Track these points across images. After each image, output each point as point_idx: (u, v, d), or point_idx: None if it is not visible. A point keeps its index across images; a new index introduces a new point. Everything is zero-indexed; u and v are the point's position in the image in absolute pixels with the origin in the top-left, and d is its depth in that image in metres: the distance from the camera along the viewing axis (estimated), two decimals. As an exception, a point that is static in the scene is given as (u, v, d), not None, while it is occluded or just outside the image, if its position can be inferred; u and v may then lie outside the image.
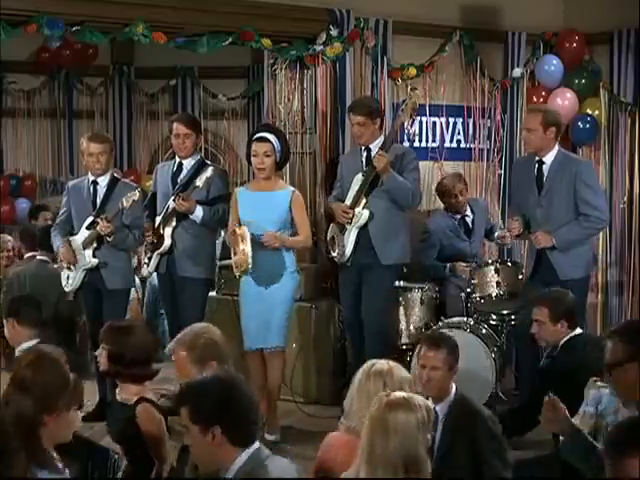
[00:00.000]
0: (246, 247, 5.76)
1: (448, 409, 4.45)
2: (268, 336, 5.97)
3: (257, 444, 3.06)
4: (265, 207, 5.97)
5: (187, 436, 3.06)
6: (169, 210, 6.25)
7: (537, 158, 6.18)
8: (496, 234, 7.00)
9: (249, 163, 6.24)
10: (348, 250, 6.34)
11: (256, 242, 5.85)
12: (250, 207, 6.01)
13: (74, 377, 3.30)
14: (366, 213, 6.27)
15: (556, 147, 6.17)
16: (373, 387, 3.69)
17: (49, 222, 8.13)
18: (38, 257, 7.10)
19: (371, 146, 6.34)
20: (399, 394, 3.28)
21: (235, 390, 3.06)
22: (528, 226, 6.20)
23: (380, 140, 6.35)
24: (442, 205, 7.32)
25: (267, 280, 5.95)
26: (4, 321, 5.51)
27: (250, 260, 5.76)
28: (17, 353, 5.28)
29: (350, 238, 6.33)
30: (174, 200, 6.18)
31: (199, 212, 6.18)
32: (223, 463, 3.03)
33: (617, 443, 2.72)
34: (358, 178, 6.32)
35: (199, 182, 6.07)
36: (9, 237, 7.90)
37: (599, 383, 4.22)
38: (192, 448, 3.08)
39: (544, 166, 6.15)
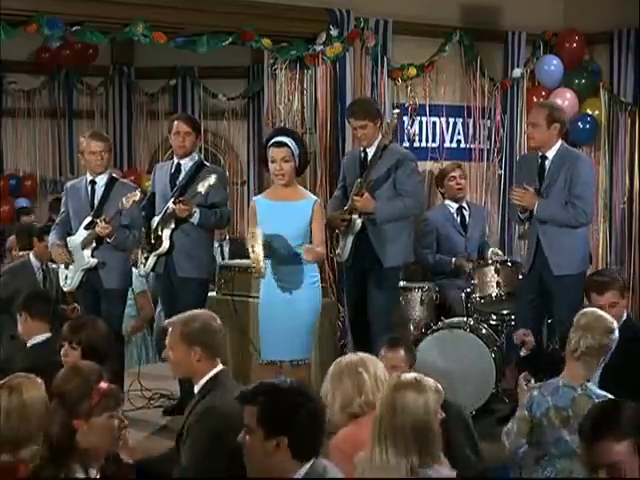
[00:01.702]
0: (257, 247, 5.45)
1: None
2: (293, 348, 5.66)
3: (314, 459, 2.97)
4: (285, 219, 5.55)
5: (246, 436, 2.98)
6: (168, 212, 6.22)
7: (540, 153, 6.22)
8: (490, 251, 7.09)
9: (267, 170, 5.93)
10: (346, 253, 6.33)
11: (276, 254, 5.61)
12: (269, 219, 5.62)
13: (111, 387, 3.48)
14: (359, 222, 6.22)
15: (559, 143, 6.19)
16: (350, 381, 3.81)
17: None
18: (30, 256, 7.13)
19: (367, 150, 6.31)
20: (409, 376, 3.36)
21: (309, 402, 2.98)
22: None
23: (377, 142, 6.31)
24: (441, 199, 7.40)
25: (288, 291, 5.65)
26: (17, 316, 5.51)
27: (262, 258, 5.46)
28: (29, 346, 5.34)
29: (348, 242, 6.31)
30: (174, 203, 6.16)
31: (196, 215, 6.13)
32: (280, 474, 2.92)
33: (591, 427, 2.81)
34: (356, 183, 6.31)
35: (201, 188, 5.97)
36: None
37: (529, 385, 4.41)
38: (247, 450, 2.97)
39: (546, 161, 6.19)
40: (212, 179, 5.96)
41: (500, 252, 7.16)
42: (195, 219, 6.15)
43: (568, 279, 6.03)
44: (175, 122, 6.35)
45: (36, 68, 9.83)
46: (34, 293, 5.87)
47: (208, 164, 6.58)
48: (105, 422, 3.37)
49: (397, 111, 6.62)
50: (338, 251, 6.44)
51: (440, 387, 3.39)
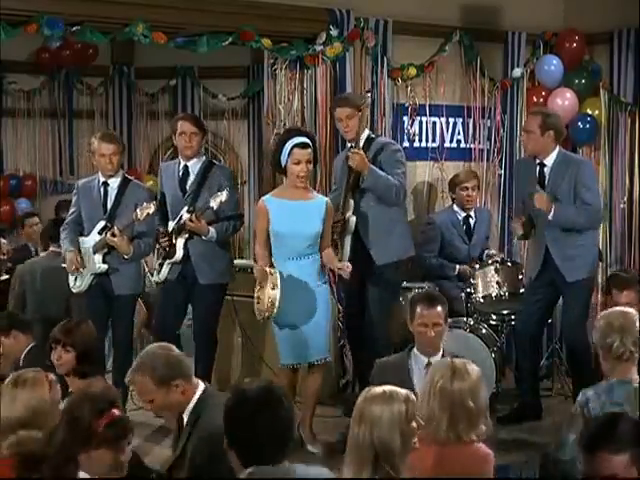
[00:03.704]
0: (275, 293, 5.40)
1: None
2: (310, 350, 5.68)
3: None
4: (301, 218, 5.61)
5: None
6: (182, 222, 6.13)
7: (538, 160, 6.21)
8: (485, 253, 7.16)
9: (279, 172, 5.88)
10: (346, 255, 6.29)
11: (293, 255, 5.64)
12: (285, 218, 5.63)
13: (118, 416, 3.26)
14: (353, 219, 6.21)
15: (556, 149, 6.21)
16: (455, 387, 3.65)
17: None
18: (51, 249, 6.97)
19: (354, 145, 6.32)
20: (380, 388, 3.27)
21: (265, 410, 3.00)
22: (532, 223, 6.28)
23: (364, 136, 6.32)
24: (449, 202, 7.41)
25: (303, 294, 5.64)
26: (1, 338, 5.37)
27: (276, 309, 5.44)
28: (22, 362, 5.21)
29: (346, 243, 6.29)
30: (187, 212, 6.11)
31: (213, 234, 6.12)
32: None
33: (590, 439, 2.85)
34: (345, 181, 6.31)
35: (213, 204, 5.90)
36: (4, 240, 7.88)
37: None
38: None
39: (545, 169, 6.19)
40: (224, 195, 5.88)
41: (495, 252, 7.17)
42: (212, 239, 6.13)
43: (580, 283, 6.14)
44: (180, 122, 6.30)
45: (36, 68, 9.81)
46: (7, 312, 5.95)
47: (216, 162, 6.55)
48: (103, 455, 3.17)
49: (369, 95, 6.71)
50: (338, 255, 6.42)
51: (413, 396, 3.26)
